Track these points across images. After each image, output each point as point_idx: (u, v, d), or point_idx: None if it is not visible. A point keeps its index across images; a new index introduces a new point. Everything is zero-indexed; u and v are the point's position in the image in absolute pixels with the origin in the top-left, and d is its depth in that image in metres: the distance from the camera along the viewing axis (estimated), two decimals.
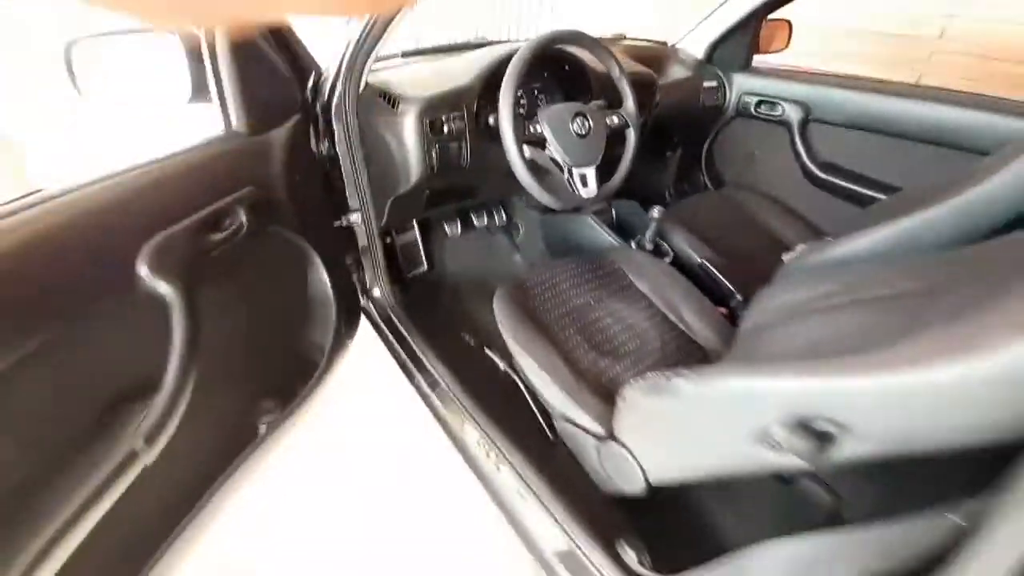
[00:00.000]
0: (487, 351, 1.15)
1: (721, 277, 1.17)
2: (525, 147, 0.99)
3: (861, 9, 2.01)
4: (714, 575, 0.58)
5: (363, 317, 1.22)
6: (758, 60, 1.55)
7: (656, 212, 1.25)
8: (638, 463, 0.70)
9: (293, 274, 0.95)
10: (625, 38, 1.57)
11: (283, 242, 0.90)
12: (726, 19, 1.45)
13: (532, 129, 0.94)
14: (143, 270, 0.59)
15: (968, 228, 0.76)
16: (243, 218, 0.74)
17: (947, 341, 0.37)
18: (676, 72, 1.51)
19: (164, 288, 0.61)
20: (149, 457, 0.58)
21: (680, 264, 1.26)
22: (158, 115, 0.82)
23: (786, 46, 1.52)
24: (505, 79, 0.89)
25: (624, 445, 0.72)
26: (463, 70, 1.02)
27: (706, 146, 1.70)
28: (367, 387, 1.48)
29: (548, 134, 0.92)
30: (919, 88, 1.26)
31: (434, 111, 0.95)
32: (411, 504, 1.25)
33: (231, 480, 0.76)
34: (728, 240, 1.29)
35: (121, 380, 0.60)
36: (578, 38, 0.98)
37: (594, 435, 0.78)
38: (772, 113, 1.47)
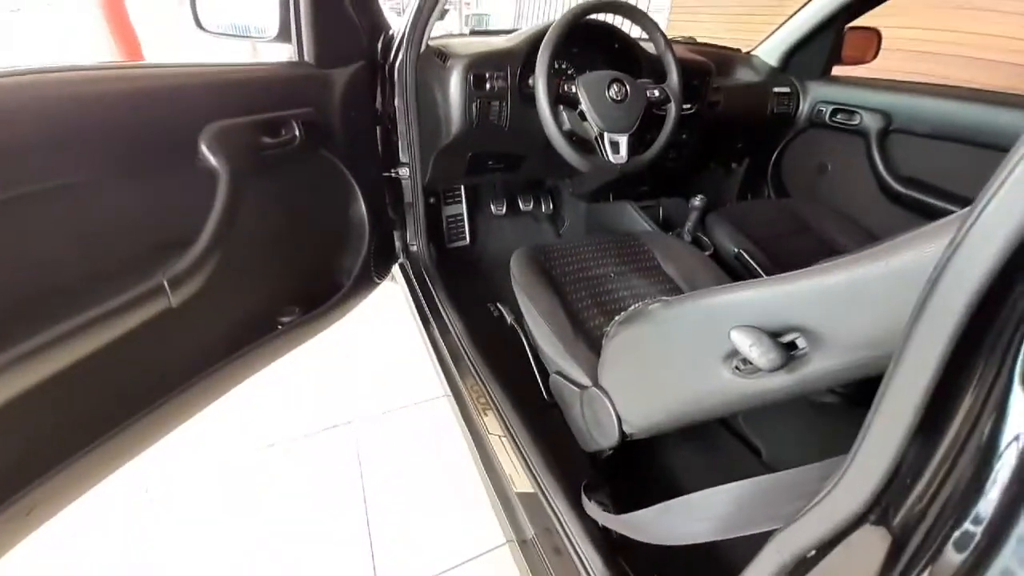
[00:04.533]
0: (498, 305, 1.17)
1: (756, 267, 1.09)
2: (562, 111, 1.02)
3: (974, 34, 1.83)
4: (658, 515, 0.55)
5: (397, 267, 1.30)
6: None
7: (697, 201, 1.21)
8: (614, 410, 0.68)
9: (335, 201, 1.05)
10: (695, 41, 1.57)
11: (331, 169, 1.01)
12: (802, 26, 1.41)
13: (567, 88, 0.97)
14: (201, 146, 0.71)
15: None
16: (297, 132, 0.86)
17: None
18: (744, 76, 1.47)
19: (215, 163, 0.72)
20: (172, 300, 0.67)
21: (719, 259, 1.20)
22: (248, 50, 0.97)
23: (873, 58, 1.42)
24: (545, 38, 0.94)
25: (604, 391, 0.71)
26: (513, 37, 1.10)
27: (774, 156, 1.61)
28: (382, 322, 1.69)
29: (582, 96, 0.95)
30: (1017, 96, 1.11)
31: (479, 67, 1.02)
32: (394, 430, 1.35)
33: (242, 360, 0.84)
34: (776, 242, 1.21)
35: (165, 231, 0.70)
36: (619, 6, 1.00)
37: (580, 385, 0.77)
38: (849, 122, 1.38)
